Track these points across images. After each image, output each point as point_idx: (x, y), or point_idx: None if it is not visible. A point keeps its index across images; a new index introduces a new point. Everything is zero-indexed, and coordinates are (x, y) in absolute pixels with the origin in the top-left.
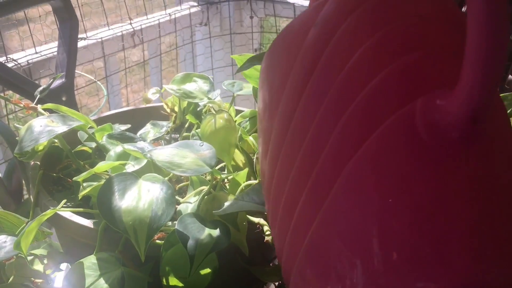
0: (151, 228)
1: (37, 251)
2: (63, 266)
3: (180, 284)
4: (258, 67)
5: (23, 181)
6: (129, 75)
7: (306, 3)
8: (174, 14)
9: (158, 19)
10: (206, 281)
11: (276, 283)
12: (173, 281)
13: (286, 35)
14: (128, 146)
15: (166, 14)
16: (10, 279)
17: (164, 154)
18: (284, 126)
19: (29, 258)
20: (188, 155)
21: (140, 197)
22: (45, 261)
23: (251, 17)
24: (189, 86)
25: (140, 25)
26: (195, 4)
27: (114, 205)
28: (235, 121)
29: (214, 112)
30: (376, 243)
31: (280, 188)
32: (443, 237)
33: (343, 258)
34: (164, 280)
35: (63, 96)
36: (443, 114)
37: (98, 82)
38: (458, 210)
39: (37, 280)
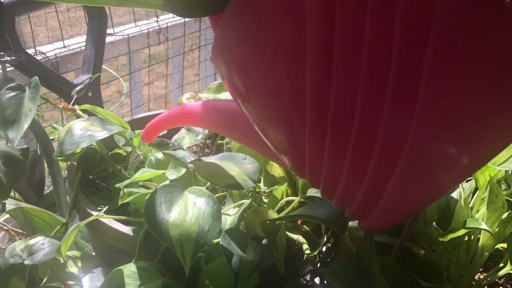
0: (197, 244)
1: (70, 253)
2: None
3: None
4: None
5: (45, 175)
6: (151, 72)
7: None
8: None
9: (184, 18)
10: None
11: None
12: None
13: None
14: (170, 154)
15: None
16: (44, 280)
17: (207, 166)
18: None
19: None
20: (232, 168)
21: (187, 211)
22: (79, 263)
23: None
24: (224, 95)
25: (166, 23)
26: None
27: (161, 218)
28: None
29: None
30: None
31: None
32: None
33: None
34: None
35: (89, 91)
36: None
37: (121, 79)
38: None
39: (69, 282)
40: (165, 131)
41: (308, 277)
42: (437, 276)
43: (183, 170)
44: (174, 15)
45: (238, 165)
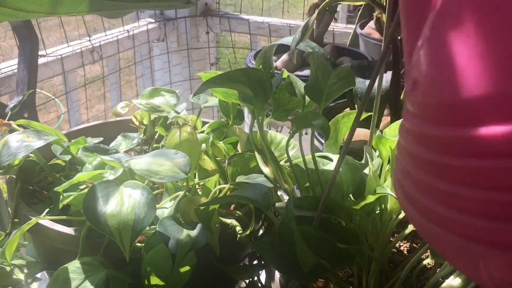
0: (134, 230)
1: (16, 262)
2: (40, 275)
3: (161, 283)
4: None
5: None
6: (88, 91)
7: (261, 19)
8: (133, 30)
9: (117, 36)
10: (186, 279)
11: (247, 281)
12: (154, 280)
13: None
14: (106, 157)
15: (124, 30)
16: None
17: (141, 163)
18: None
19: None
20: (164, 163)
21: (123, 202)
22: (25, 270)
23: (207, 33)
24: (157, 100)
25: (99, 41)
26: (153, 20)
27: (99, 211)
28: (203, 131)
29: (179, 125)
30: None
31: None
32: None
33: None
34: (145, 281)
35: (25, 112)
36: None
37: (56, 99)
38: None
39: None
40: (101, 138)
41: (246, 261)
42: (354, 240)
43: (120, 170)
44: (107, 34)
45: (170, 159)
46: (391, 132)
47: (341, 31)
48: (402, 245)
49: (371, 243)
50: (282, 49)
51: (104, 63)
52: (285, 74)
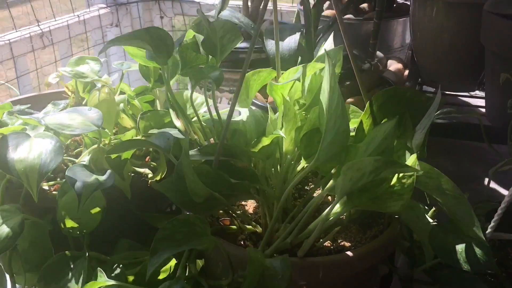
0: (41, 173)
1: None
2: None
3: (75, 225)
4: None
5: None
6: (41, 75)
7: (211, 1)
8: (83, 15)
9: (67, 20)
10: (97, 219)
11: None
12: (69, 223)
13: None
14: (26, 117)
15: (74, 15)
16: None
17: (55, 118)
18: None
19: None
20: (77, 118)
21: (31, 150)
22: None
23: (161, 17)
24: (82, 68)
25: (49, 26)
26: (104, 5)
27: (8, 157)
28: (130, 95)
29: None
30: None
31: None
32: None
33: None
34: (62, 224)
35: None
36: None
37: (8, 84)
38: None
39: None
40: (29, 104)
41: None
42: (252, 179)
43: (41, 129)
44: (56, 19)
45: (83, 115)
46: (283, 80)
47: (288, 10)
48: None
49: (274, 183)
50: None
51: (55, 48)
52: (191, 34)
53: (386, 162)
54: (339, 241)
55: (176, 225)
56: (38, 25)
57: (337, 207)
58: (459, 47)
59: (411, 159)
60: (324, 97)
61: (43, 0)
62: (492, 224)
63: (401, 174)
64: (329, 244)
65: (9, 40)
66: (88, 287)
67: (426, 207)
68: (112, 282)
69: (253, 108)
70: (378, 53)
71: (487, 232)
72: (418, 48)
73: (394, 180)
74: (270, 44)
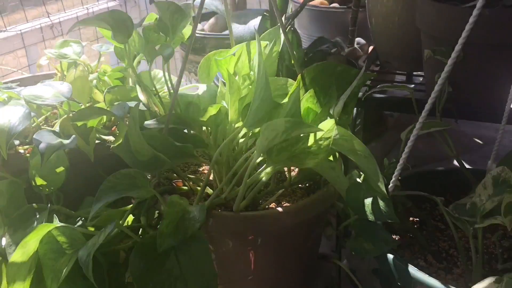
0: (9, 134)
1: None
2: None
3: (44, 182)
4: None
5: None
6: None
7: None
8: (92, 8)
9: (76, 13)
10: (62, 178)
11: None
12: (38, 181)
13: None
14: (8, 90)
15: (83, 7)
16: None
17: (30, 90)
18: None
19: None
20: (49, 90)
21: (3, 115)
22: None
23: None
24: (66, 50)
25: (59, 18)
26: None
27: None
28: (101, 72)
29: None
30: None
31: None
32: None
33: None
34: (33, 182)
35: None
36: None
37: (20, 71)
38: None
39: None
40: (18, 82)
41: None
42: (197, 143)
43: (22, 100)
44: (66, 11)
45: (55, 88)
46: (223, 55)
47: None
48: None
49: (223, 150)
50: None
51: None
52: (153, 17)
53: (295, 122)
54: (283, 203)
55: (119, 178)
56: (49, 17)
57: (264, 167)
58: (406, 30)
59: (328, 123)
60: (255, 71)
61: None
62: (393, 179)
63: (318, 136)
64: (274, 206)
65: (20, 30)
66: (41, 228)
67: (360, 172)
68: (60, 224)
69: (213, 84)
70: (360, 40)
71: (389, 186)
72: (374, 33)
73: (312, 141)
74: (234, 28)
